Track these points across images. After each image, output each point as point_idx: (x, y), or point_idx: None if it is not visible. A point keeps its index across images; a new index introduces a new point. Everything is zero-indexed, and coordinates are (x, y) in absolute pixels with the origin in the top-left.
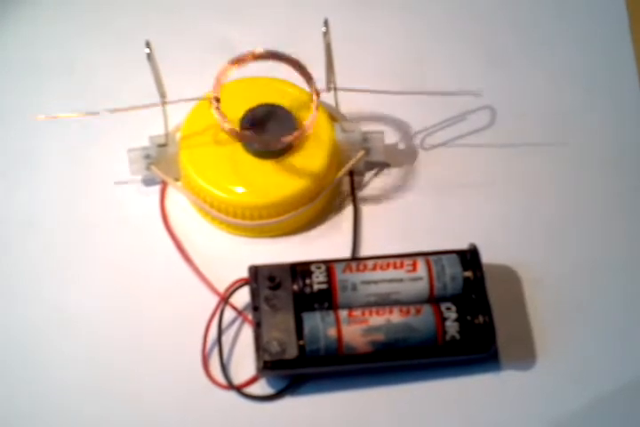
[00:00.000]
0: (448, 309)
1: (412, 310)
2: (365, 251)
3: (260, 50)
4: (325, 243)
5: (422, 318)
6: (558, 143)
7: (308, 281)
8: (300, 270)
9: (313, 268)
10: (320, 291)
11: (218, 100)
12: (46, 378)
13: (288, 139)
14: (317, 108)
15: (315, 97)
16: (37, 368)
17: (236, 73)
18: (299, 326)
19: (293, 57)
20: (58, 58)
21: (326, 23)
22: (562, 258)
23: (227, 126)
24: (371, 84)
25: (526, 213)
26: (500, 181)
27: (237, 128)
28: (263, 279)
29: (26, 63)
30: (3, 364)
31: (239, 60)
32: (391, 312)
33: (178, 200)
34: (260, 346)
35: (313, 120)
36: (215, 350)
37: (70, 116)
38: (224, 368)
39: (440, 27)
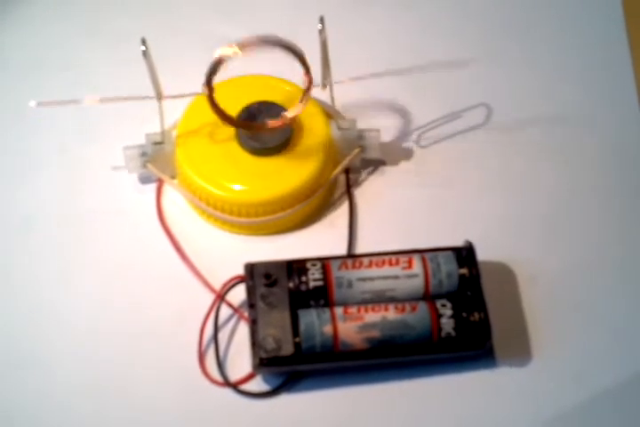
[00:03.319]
0: (443, 305)
1: (408, 306)
2: (361, 248)
3: (253, 36)
4: (321, 240)
5: (418, 315)
6: (554, 141)
7: (303, 278)
8: (295, 268)
9: (309, 265)
10: (316, 288)
11: (211, 87)
12: (41, 374)
13: (274, 123)
14: (309, 89)
15: (306, 80)
16: (32, 365)
17: (231, 71)
18: (294, 323)
19: (289, 42)
20: (56, 57)
21: (322, 20)
22: (558, 256)
23: (218, 113)
24: (367, 82)
25: (522, 211)
26: (495, 179)
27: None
28: (259, 277)
29: (24, 62)
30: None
31: (234, 46)
32: (387, 309)
33: (174, 198)
34: (255, 343)
35: (303, 104)
36: (211, 347)
37: (66, 102)
38: (220, 365)
39: (437, 25)
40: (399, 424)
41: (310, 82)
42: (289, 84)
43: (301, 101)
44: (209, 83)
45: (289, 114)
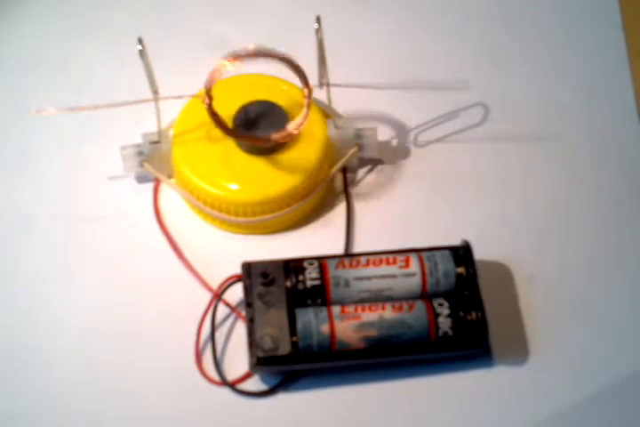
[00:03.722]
0: (440, 305)
1: (405, 306)
2: (358, 247)
3: (252, 48)
4: (318, 239)
5: (415, 314)
6: (551, 141)
7: (300, 277)
8: (293, 267)
9: (306, 264)
10: (313, 287)
11: (210, 98)
12: (38, 373)
13: (278, 137)
14: (309, 106)
15: (306, 95)
16: (31, 364)
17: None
18: (292, 323)
19: (286, 55)
20: (53, 56)
21: (318, 20)
22: (554, 255)
23: (219, 126)
24: (364, 81)
25: (519, 210)
26: (492, 178)
27: (229, 126)
28: (256, 276)
29: (21, 61)
30: (1, 360)
31: (231, 58)
32: (384, 308)
33: (171, 197)
34: (253, 342)
35: (304, 118)
36: (208, 346)
37: (64, 111)
38: (217, 365)
39: (434, 24)
40: (396, 423)
41: (310, 94)
42: (285, 82)
43: (303, 115)
44: (209, 94)
45: (291, 128)
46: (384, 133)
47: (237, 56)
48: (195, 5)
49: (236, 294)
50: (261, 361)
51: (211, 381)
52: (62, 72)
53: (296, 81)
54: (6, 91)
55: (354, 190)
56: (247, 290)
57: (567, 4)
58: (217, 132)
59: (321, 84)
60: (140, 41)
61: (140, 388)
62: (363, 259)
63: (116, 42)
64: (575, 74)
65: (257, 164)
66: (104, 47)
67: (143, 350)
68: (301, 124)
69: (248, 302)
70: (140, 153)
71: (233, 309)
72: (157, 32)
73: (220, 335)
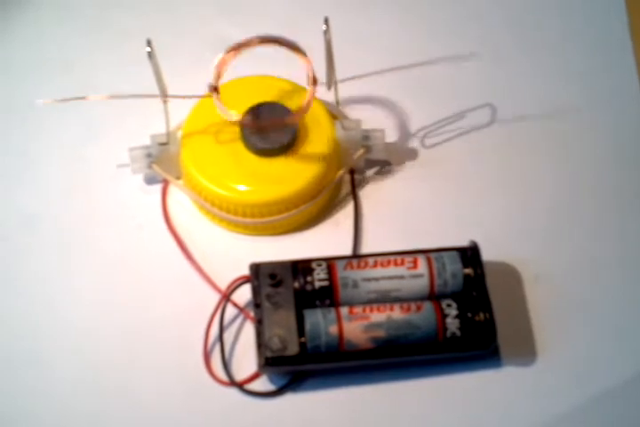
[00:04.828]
0: (449, 305)
1: (413, 306)
2: (366, 248)
3: (257, 36)
4: (326, 240)
5: (423, 315)
6: (557, 141)
7: (309, 278)
8: (301, 268)
9: (314, 265)
10: (321, 288)
11: (217, 90)
12: (46, 374)
13: (283, 120)
14: (313, 85)
15: (311, 80)
16: (38, 365)
17: (233, 72)
18: (300, 323)
19: (290, 40)
20: (60, 57)
21: (326, 21)
22: (562, 255)
23: (228, 115)
24: (371, 83)
25: (526, 211)
26: (500, 179)
27: (239, 116)
28: (264, 277)
29: (27, 63)
30: (3, 360)
31: (237, 47)
32: (392, 309)
33: (179, 198)
34: (261, 343)
35: (310, 100)
36: (217, 347)
37: (73, 99)
38: (226, 365)
39: (440, 25)
40: (404, 424)
41: (315, 83)
42: (292, 84)
43: (306, 100)
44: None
45: (301, 112)
46: (391, 135)
47: (241, 45)
48: (199, 6)
49: (244, 294)
50: (270, 361)
51: (219, 381)
52: (66, 74)
53: (299, 80)
54: (11, 92)
55: (361, 192)
56: (255, 291)
57: (572, 3)
58: (225, 134)
59: (329, 86)
60: (149, 43)
61: (148, 388)
62: (371, 260)
63: (122, 43)
64: (579, 74)
65: (265, 165)
66: (108, 48)
67: (151, 350)
68: (307, 107)
69: (256, 303)
70: (149, 154)
71: (241, 309)
72: (165, 33)
73: (229, 336)
